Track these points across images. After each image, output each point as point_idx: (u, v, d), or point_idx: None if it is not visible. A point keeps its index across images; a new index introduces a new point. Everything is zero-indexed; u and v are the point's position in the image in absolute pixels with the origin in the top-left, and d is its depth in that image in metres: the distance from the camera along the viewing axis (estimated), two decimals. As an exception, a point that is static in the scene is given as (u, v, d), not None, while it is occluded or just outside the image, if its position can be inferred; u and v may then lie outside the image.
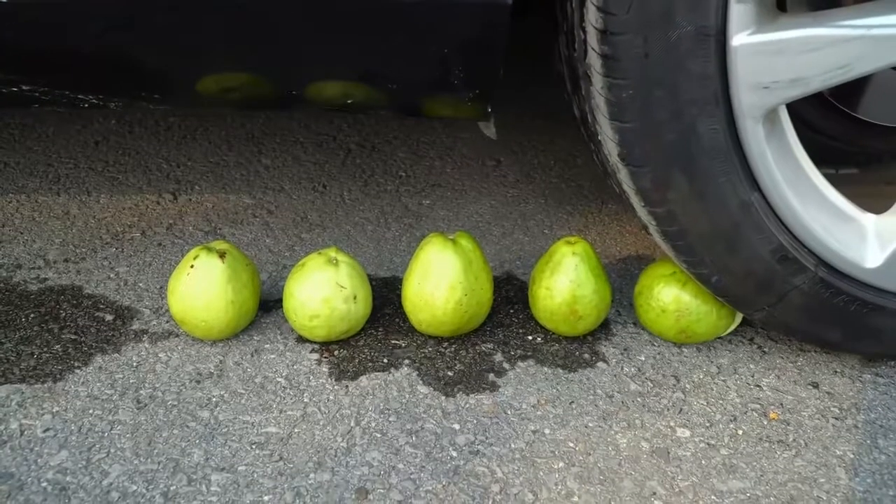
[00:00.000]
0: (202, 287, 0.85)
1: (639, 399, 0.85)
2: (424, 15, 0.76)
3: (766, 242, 0.80)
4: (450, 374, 0.87)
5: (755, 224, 0.79)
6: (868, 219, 0.83)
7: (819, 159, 0.84)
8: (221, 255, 0.87)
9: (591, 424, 0.81)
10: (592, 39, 0.72)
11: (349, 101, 0.86)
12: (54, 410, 0.78)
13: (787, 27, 0.72)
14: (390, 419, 0.80)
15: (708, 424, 0.82)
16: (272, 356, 0.88)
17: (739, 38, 0.70)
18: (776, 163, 0.78)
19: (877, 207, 0.84)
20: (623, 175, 0.79)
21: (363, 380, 0.85)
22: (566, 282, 0.89)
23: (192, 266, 0.86)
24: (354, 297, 0.87)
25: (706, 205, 0.78)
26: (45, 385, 0.81)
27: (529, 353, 0.91)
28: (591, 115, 0.81)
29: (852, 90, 1.24)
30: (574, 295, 0.89)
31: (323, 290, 0.86)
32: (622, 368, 0.89)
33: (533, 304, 0.93)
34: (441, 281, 0.87)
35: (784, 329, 0.88)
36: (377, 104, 0.89)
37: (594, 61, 0.73)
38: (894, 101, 1.27)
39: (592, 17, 0.70)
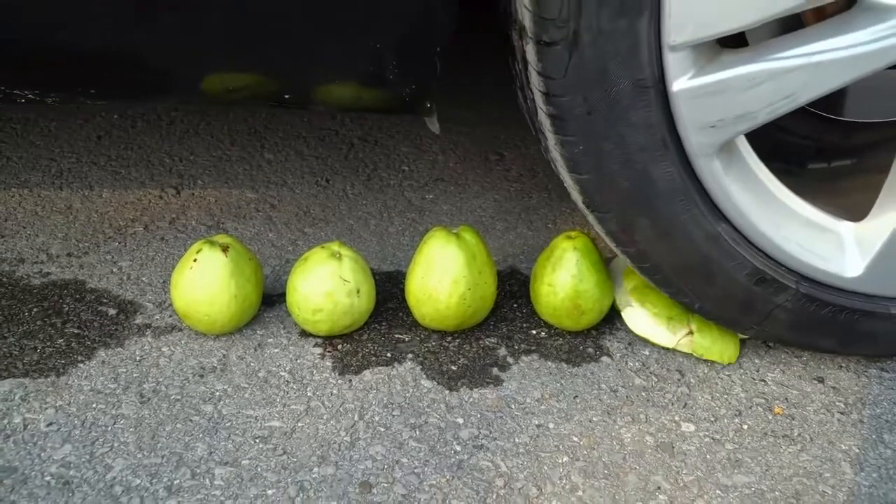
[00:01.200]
0: (205, 281, 0.85)
1: (643, 393, 0.85)
2: (353, 5, 0.75)
3: (741, 268, 0.81)
4: (453, 368, 0.87)
5: (726, 253, 0.80)
6: (846, 227, 0.82)
7: (782, 158, 0.84)
8: (224, 248, 0.87)
9: (595, 419, 0.81)
10: (539, 100, 0.74)
11: (286, 97, 0.86)
12: (57, 405, 0.77)
13: (727, 66, 0.72)
14: (394, 413, 0.80)
15: (713, 419, 0.82)
16: (275, 350, 0.88)
17: (679, 84, 0.71)
18: (739, 192, 0.78)
19: (854, 213, 0.84)
20: (591, 220, 0.81)
21: (367, 374, 0.85)
22: (567, 277, 0.89)
23: (195, 260, 0.86)
24: (358, 292, 0.87)
25: (673, 242, 0.79)
26: (49, 379, 0.81)
27: (533, 348, 0.91)
28: (554, 165, 0.82)
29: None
30: (576, 290, 0.89)
31: (326, 285, 0.86)
32: (626, 363, 0.89)
33: (536, 301, 0.93)
34: (444, 275, 0.87)
35: (778, 341, 0.89)
36: (311, 99, 0.89)
37: (544, 120, 0.75)
38: (856, 97, 1.26)
39: (535, 80, 0.72)
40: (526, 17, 0.69)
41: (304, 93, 0.86)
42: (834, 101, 1.25)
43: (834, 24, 0.73)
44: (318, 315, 0.86)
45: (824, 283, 0.82)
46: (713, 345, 0.88)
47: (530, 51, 0.71)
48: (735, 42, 0.74)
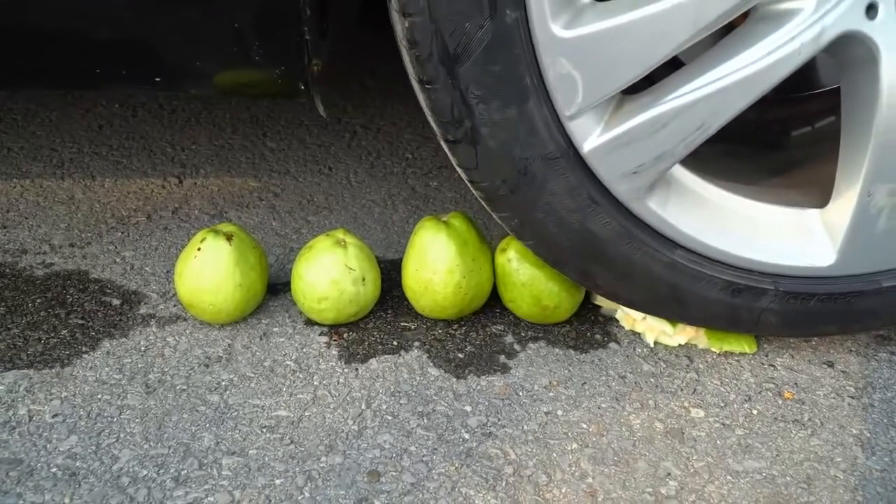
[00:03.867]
0: (210, 270, 0.85)
1: (652, 380, 0.84)
2: None
3: (712, 286, 0.81)
4: (460, 356, 0.86)
5: (692, 276, 0.80)
6: (811, 216, 0.81)
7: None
8: (228, 237, 0.86)
9: (604, 405, 0.80)
10: (469, 186, 0.78)
11: (157, 79, 0.85)
12: (63, 396, 0.77)
13: (631, 115, 0.73)
14: (401, 402, 0.79)
15: (722, 404, 0.81)
16: (281, 339, 0.87)
17: (589, 144, 0.73)
18: (685, 217, 0.79)
19: (814, 198, 0.83)
20: (556, 270, 0.84)
21: (373, 362, 0.84)
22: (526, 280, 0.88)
23: (199, 249, 0.85)
24: (363, 280, 0.86)
25: (635, 281, 0.81)
26: (53, 370, 0.80)
27: (540, 335, 0.90)
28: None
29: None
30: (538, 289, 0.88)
31: (331, 272, 0.85)
32: (634, 349, 0.88)
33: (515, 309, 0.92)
34: (438, 265, 0.86)
35: (781, 335, 0.89)
36: (183, 81, 0.87)
37: (483, 201, 0.78)
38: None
39: (459, 170, 0.77)
40: (431, 121, 0.74)
41: (175, 75, 0.85)
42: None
43: (726, 47, 0.73)
44: (323, 303, 0.85)
45: (803, 276, 0.81)
46: (727, 335, 0.87)
47: (445, 148, 0.75)
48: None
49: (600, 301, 0.93)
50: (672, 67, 0.76)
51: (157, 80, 0.83)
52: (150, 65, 0.82)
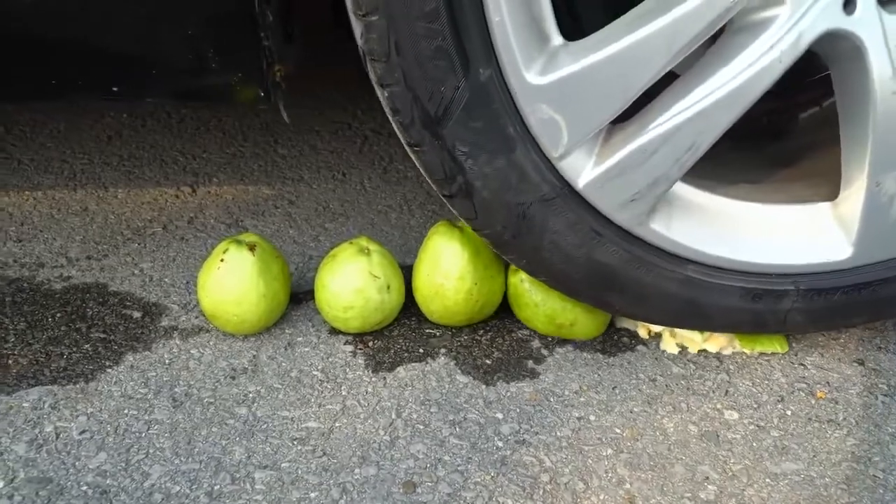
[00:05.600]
0: (233, 281, 0.84)
1: (682, 382, 0.83)
2: None
3: (730, 295, 0.80)
4: (488, 362, 0.85)
5: (709, 288, 0.80)
6: (822, 211, 0.80)
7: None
8: (251, 247, 0.85)
9: (636, 409, 0.80)
10: (476, 233, 0.79)
11: (114, 89, 0.84)
12: (89, 412, 0.76)
13: (620, 146, 0.73)
14: (432, 410, 0.78)
15: (755, 406, 0.80)
16: (306, 349, 0.86)
17: (583, 180, 0.73)
18: (692, 234, 0.78)
19: (822, 190, 0.81)
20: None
21: (400, 371, 0.83)
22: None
23: (221, 260, 0.84)
24: (388, 287, 0.85)
25: (652, 301, 0.81)
26: (78, 386, 0.79)
27: (567, 339, 0.89)
28: None
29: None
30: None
31: (356, 281, 0.84)
32: (663, 351, 0.87)
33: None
34: (450, 271, 0.85)
35: (812, 331, 0.88)
36: (141, 90, 0.87)
37: (490, 245, 0.79)
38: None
39: (463, 221, 0.78)
40: (427, 179, 0.75)
41: (133, 83, 0.84)
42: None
43: (704, 66, 0.72)
44: (349, 312, 0.84)
45: (822, 272, 0.80)
46: (758, 335, 0.87)
47: (447, 202, 0.76)
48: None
49: (622, 320, 0.92)
50: (671, 77, 0.75)
51: (115, 89, 0.83)
52: (106, 74, 0.82)
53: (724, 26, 0.70)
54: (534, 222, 0.75)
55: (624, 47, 0.67)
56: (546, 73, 0.68)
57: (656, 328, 0.89)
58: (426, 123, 0.69)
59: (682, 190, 0.78)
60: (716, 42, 0.73)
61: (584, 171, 0.73)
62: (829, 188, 0.81)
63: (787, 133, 1.03)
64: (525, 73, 0.68)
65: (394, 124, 0.72)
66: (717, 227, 0.79)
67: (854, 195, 0.77)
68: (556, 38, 0.70)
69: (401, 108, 0.69)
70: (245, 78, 0.82)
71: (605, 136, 0.74)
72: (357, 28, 0.67)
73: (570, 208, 0.74)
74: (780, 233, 0.80)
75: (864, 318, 0.85)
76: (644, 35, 0.67)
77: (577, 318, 0.86)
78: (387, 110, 0.71)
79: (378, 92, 0.70)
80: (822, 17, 0.69)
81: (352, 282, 0.84)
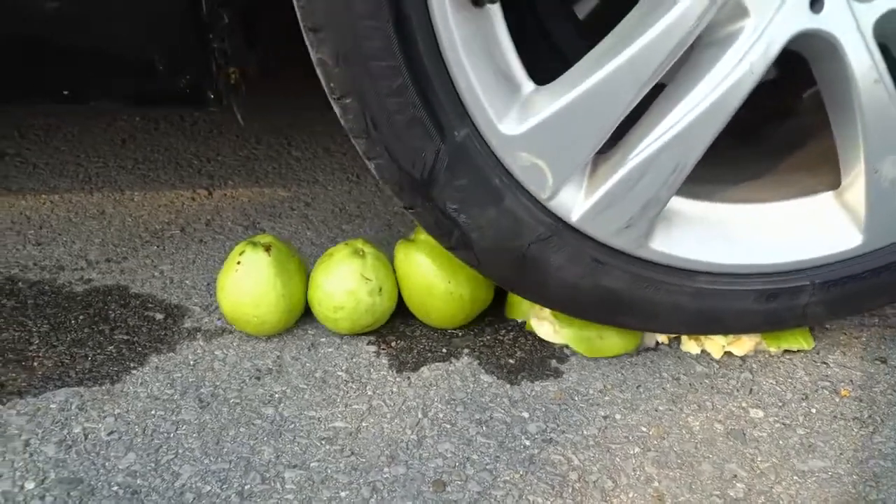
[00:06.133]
0: (251, 283, 0.84)
1: (706, 380, 0.83)
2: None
3: (744, 298, 0.80)
4: (511, 361, 0.85)
5: (721, 296, 0.80)
6: (827, 201, 0.80)
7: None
8: (267, 248, 0.85)
9: (661, 408, 0.80)
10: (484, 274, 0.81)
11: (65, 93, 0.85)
12: (116, 412, 0.76)
13: (605, 177, 0.74)
14: (457, 409, 0.78)
15: (780, 404, 0.80)
16: (329, 350, 0.86)
17: (576, 214, 0.75)
18: (695, 247, 0.78)
19: (827, 178, 0.81)
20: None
21: (424, 370, 0.84)
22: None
23: (238, 262, 0.84)
24: (380, 290, 0.85)
25: (667, 316, 0.81)
26: (104, 387, 0.79)
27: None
28: None
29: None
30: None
31: (348, 283, 0.84)
32: (685, 350, 0.88)
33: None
34: (424, 281, 0.85)
35: (834, 319, 0.89)
36: (90, 94, 0.87)
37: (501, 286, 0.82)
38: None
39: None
40: (429, 234, 0.77)
41: (83, 87, 0.84)
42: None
43: (676, 87, 0.72)
44: (339, 313, 0.84)
45: (835, 262, 0.80)
46: (784, 332, 0.87)
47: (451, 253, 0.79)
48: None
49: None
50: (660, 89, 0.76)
51: (66, 93, 0.83)
52: (54, 78, 0.82)
53: (694, 44, 0.70)
54: (535, 261, 0.77)
55: (593, 85, 0.69)
56: (522, 121, 0.70)
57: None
58: (415, 188, 0.72)
59: (679, 205, 0.79)
60: (687, 62, 0.73)
61: (575, 205, 0.74)
62: (831, 176, 0.80)
63: (789, 116, 1.01)
64: (500, 126, 0.70)
65: (388, 190, 0.74)
66: (721, 236, 0.79)
67: (856, 182, 0.77)
68: (528, 85, 0.72)
69: (389, 177, 0.71)
70: (193, 81, 0.82)
71: (592, 169, 0.75)
72: (336, 109, 0.69)
73: (568, 243, 0.76)
74: (788, 230, 0.80)
75: (885, 299, 0.85)
76: (610, 71, 0.68)
77: (605, 333, 0.87)
78: (379, 180, 0.73)
79: (367, 164, 0.72)
80: (789, 21, 0.69)
81: (344, 283, 0.84)
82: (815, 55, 0.73)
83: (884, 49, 0.72)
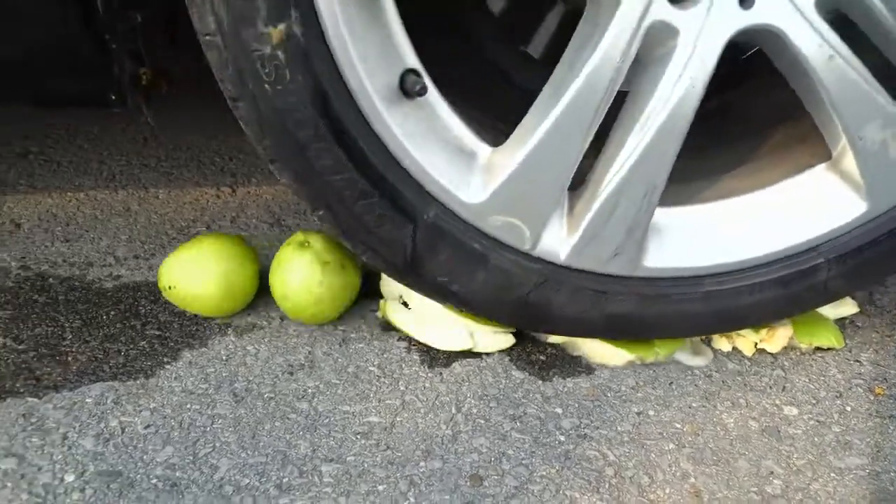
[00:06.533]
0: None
1: (738, 378, 0.83)
2: None
3: (760, 291, 0.80)
4: (542, 358, 0.85)
5: (733, 295, 0.80)
6: (822, 175, 0.79)
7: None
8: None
9: (694, 405, 0.80)
10: None
11: None
12: (151, 406, 0.76)
13: (582, 214, 0.75)
14: (491, 405, 0.78)
15: (814, 402, 0.80)
16: (360, 345, 0.86)
17: (563, 253, 0.76)
18: (693, 255, 0.78)
19: (820, 149, 0.80)
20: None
21: (456, 366, 0.84)
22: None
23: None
24: (343, 267, 0.86)
25: (679, 324, 0.82)
26: (138, 381, 0.79)
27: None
28: None
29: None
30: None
31: (300, 276, 0.85)
32: (717, 347, 0.87)
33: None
34: (295, 276, 0.85)
35: (859, 289, 0.87)
36: None
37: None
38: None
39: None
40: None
41: None
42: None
43: (626, 116, 0.73)
44: (311, 308, 0.85)
45: (845, 233, 0.79)
46: (816, 329, 0.87)
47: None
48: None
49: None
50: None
51: None
52: None
53: (635, 71, 0.71)
54: (538, 306, 0.79)
55: (541, 138, 0.70)
56: (485, 186, 0.73)
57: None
58: (406, 270, 0.76)
59: (666, 218, 0.78)
60: (631, 90, 0.74)
61: (561, 246, 0.76)
62: (823, 147, 0.79)
63: (773, 86, 0.97)
64: (465, 197, 0.73)
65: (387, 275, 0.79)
66: (717, 237, 0.79)
67: (845, 152, 0.77)
68: (483, 149, 0.73)
69: (381, 265, 0.76)
70: (96, 82, 0.83)
71: (568, 208, 0.76)
72: (316, 217, 0.73)
73: (565, 282, 0.78)
74: (789, 211, 0.79)
75: None
76: (553, 122, 0.70)
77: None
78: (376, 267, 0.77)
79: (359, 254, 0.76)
80: (722, 25, 0.69)
81: (296, 277, 0.85)
82: (765, 47, 0.73)
83: (842, 19, 0.71)
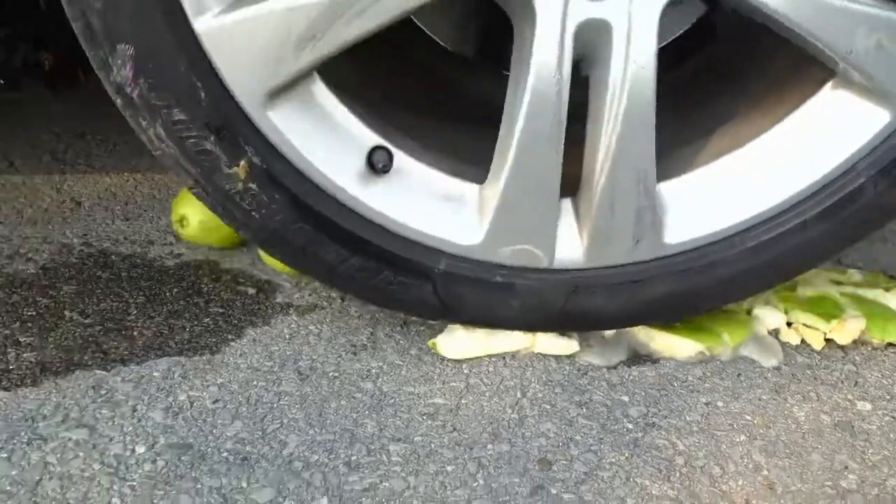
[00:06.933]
0: None
1: (808, 371, 0.82)
2: None
3: (809, 228, 0.78)
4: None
5: (787, 235, 0.78)
6: (832, 93, 0.75)
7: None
8: None
9: (764, 397, 0.78)
10: None
11: None
12: (218, 382, 0.76)
13: (588, 217, 0.76)
14: (556, 391, 0.78)
15: (888, 398, 0.78)
16: (422, 328, 0.86)
17: (583, 258, 0.77)
18: (729, 207, 0.77)
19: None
20: None
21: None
22: None
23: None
24: None
25: (746, 280, 0.80)
26: (204, 357, 0.80)
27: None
28: None
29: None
30: None
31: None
32: (786, 339, 0.86)
33: None
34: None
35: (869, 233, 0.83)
36: None
37: None
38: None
39: None
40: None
41: None
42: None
43: (594, 115, 0.73)
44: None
45: (879, 146, 0.76)
46: (890, 324, 0.84)
47: None
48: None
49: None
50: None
51: None
52: None
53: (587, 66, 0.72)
54: (582, 313, 0.80)
55: (515, 166, 0.72)
56: (482, 226, 0.75)
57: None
58: (447, 316, 0.80)
59: (676, 190, 0.77)
60: (591, 88, 0.74)
61: (579, 252, 0.77)
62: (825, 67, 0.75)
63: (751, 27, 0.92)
64: (464, 241, 0.75)
65: None
66: (742, 188, 0.77)
67: (847, 69, 0.73)
68: (471, 190, 0.76)
69: (427, 317, 0.81)
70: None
71: (574, 214, 0.77)
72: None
73: (596, 284, 0.78)
74: (809, 140, 0.76)
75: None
76: (520, 149, 0.71)
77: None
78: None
79: None
80: (649, 2, 0.68)
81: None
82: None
83: None
